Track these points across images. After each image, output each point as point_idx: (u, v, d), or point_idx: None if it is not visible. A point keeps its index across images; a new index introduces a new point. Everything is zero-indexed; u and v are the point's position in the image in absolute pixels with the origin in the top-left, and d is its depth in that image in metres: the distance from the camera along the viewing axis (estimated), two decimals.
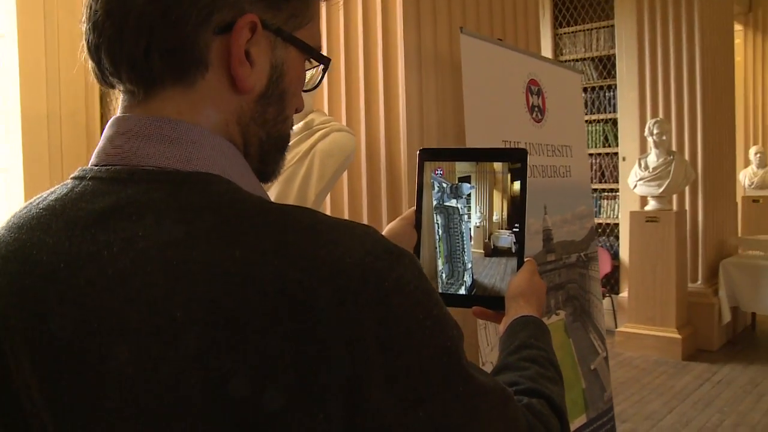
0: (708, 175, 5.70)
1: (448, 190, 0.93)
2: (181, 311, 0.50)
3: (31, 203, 0.63)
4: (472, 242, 0.92)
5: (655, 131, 5.33)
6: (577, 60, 6.68)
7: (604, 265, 6.25)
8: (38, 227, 0.59)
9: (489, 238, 0.92)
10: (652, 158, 5.43)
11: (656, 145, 5.37)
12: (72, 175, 0.62)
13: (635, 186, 5.52)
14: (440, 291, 0.92)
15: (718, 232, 6.00)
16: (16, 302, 0.58)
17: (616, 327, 5.88)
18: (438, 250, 0.94)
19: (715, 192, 5.87)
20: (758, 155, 8.26)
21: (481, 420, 0.57)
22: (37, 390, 0.57)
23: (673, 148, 5.56)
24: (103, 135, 0.62)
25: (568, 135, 3.02)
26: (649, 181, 5.43)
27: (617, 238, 6.47)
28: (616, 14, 6.24)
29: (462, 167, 0.93)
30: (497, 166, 0.91)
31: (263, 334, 0.48)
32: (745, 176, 8.28)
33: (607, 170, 6.60)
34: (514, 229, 0.90)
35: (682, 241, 5.48)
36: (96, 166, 0.60)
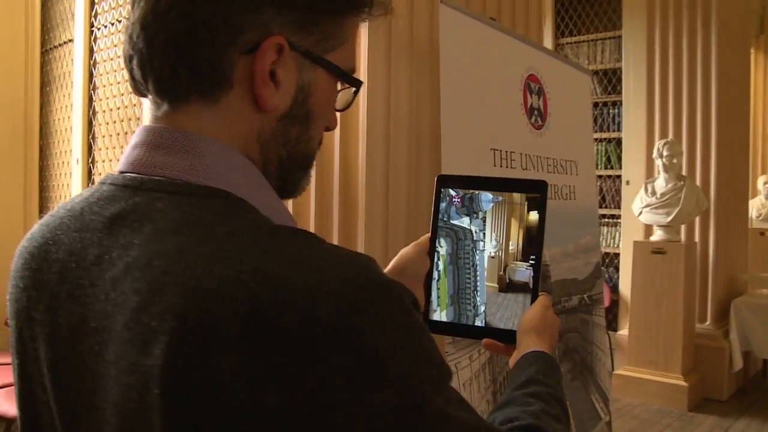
0: (721, 204, 5.15)
1: (459, 204, 0.88)
2: (156, 321, 0.51)
3: (64, 203, 0.67)
4: (486, 274, 0.86)
5: (665, 153, 4.77)
6: None
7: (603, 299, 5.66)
8: (60, 227, 0.64)
9: (504, 271, 0.87)
10: (661, 183, 4.88)
11: (665, 168, 4.81)
12: (100, 179, 0.66)
13: (640, 213, 4.96)
14: (448, 320, 0.90)
15: (730, 268, 5.43)
16: (38, 296, 0.63)
17: (613, 369, 5.28)
18: (440, 287, 0.89)
19: (728, 223, 5.31)
20: (767, 185, 7.80)
21: None
22: (48, 379, 0.62)
23: (684, 173, 5.01)
24: (129, 142, 0.65)
25: (573, 148, 2.43)
26: (656, 208, 4.87)
27: (617, 269, 5.88)
28: (624, 24, 5.70)
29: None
30: (516, 195, 0.87)
31: (227, 354, 0.48)
32: (753, 207, 7.79)
33: (609, 194, 6.02)
34: (531, 262, 0.86)
35: (690, 276, 4.91)
36: (119, 172, 0.64)
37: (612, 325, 5.78)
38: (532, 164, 2.15)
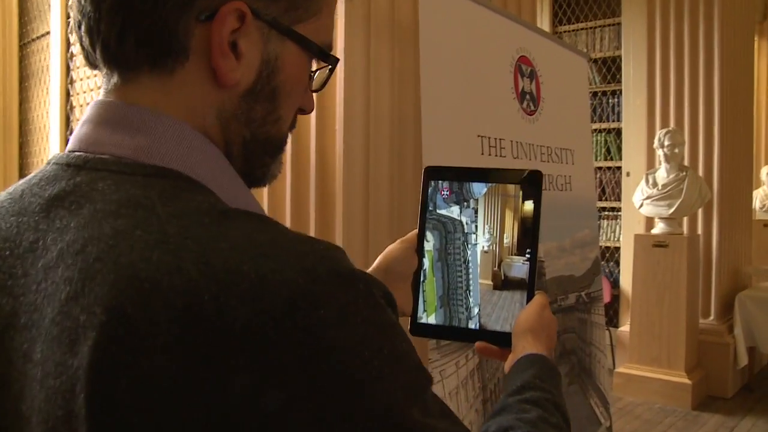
0: (724, 195, 4.98)
1: (447, 191, 0.80)
2: (85, 314, 0.46)
3: (9, 188, 0.62)
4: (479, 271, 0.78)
5: (666, 143, 4.61)
6: None
7: (603, 294, 5.51)
8: (0, 211, 0.58)
9: (499, 267, 0.80)
10: (662, 174, 4.72)
11: (667, 159, 4.65)
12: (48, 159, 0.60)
13: (641, 205, 4.80)
14: (438, 323, 0.82)
15: (734, 261, 5.27)
16: None
17: (615, 367, 5.12)
18: (427, 288, 0.80)
19: (732, 215, 5.15)
20: None
21: None
22: None
23: (686, 164, 4.84)
24: (80, 119, 0.60)
25: (569, 135, 2.27)
26: (657, 200, 4.71)
27: (618, 263, 5.72)
28: (623, 11, 5.52)
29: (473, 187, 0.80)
30: (510, 186, 0.80)
31: (162, 353, 0.43)
32: (757, 198, 7.63)
33: (609, 186, 5.85)
34: (526, 257, 0.80)
35: (694, 270, 4.75)
36: (67, 151, 0.59)
37: (613, 321, 5.62)
38: (524, 152, 1.99)
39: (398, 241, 0.87)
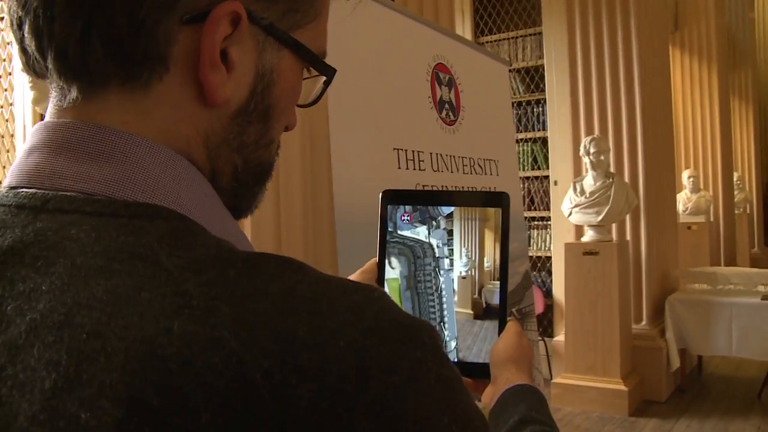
0: (650, 200, 5.04)
1: (409, 216, 0.73)
2: (87, 410, 0.34)
3: None
4: (455, 298, 0.71)
5: (591, 150, 4.63)
6: None
7: (537, 305, 5.48)
8: None
9: (480, 294, 0.74)
10: (589, 181, 4.73)
11: (593, 166, 4.66)
12: None
13: (570, 214, 4.79)
14: None
15: (662, 265, 5.34)
16: None
17: (552, 378, 5.08)
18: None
19: (658, 219, 5.21)
20: (691, 179, 7.90)
21: None
22: None
23: (612, 170, 4.87)
24: (24, 146, 0.47)
25: (492, 146, 2.17)
26: (585, 207, 4.71)
27: (550, 273, 5.70)
28: (543, 20, 5.55)
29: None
30: (484, 209, 0.75)
31: None
32: (679, 201, 7.83)
33: (537, 196, 5.85)
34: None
35: (625, 276, 4.77)
36: (7, 188, 0.46)
37: (548, 331, 5.60)
38: (445, 165, 1.87)
39: (357, 272, 0.78)
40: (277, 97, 0.52)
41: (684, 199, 7.91)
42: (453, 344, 0.74)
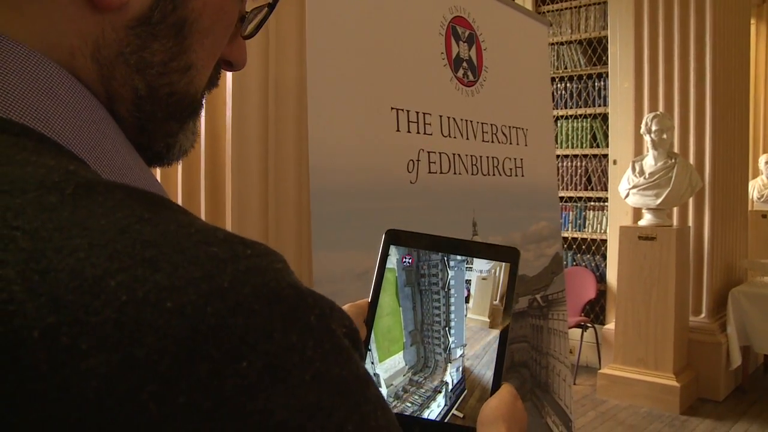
0: (717, 184, 4.66)
1: (410, 259, 0.66)
2: None
3: None
4: (471, 303, 0.63)
5: (653, 128, 4.30)
6: (562, 43, 5.61)
7: (588, 290, 5.19)
8: None
9: (501, 300, 0.65)
10: (649, 161, 4.40)
11: (654, 145, 4.34)
12: None
13: (627, 195, 4.48)
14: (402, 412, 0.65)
15: (727, 255, 4.95)
16: None
17: (600, 367, 4.81)
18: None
19: (725, 205, 4.82)
20: None
21: None
22: None
23: (675, 150, 4.52)
24: None
25: (521, 113, 1.95)
26: (644, 189, 4.39)
27: (604, 257, 5.39)
28: None
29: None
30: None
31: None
32: (754, 188, 7.31)
33: (595, 175, 5.52)
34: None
35: (684, 264, 4.43)
36: None
37: (599, 318, 5.31)
38: (459, 130, 1.66)
39: (347, 305, 0.70)
40: (197, 12, 0.44)
41: (760, 186, 7.39)
42: (459, 352, 0.65)
